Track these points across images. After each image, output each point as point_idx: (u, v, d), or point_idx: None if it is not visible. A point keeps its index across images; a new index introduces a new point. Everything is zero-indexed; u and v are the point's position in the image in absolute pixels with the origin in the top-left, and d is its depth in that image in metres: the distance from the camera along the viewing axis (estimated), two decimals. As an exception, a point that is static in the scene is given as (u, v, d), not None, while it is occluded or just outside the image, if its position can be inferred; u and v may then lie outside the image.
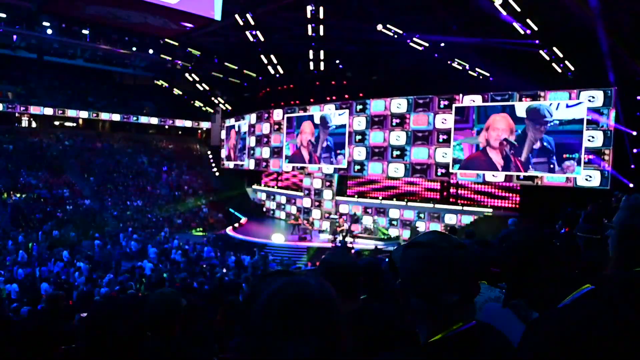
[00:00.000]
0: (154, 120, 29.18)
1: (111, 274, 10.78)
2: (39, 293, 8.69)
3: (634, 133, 11.50)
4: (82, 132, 27.05)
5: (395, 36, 14.18)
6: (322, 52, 16.05)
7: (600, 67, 11.21)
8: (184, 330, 2.21)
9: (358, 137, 17.16)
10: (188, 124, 30.30)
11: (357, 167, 17.24)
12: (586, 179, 12.30)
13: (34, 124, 25.97)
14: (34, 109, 24.96)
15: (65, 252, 13.83)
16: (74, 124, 27.77)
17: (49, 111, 25.45)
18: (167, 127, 30.37)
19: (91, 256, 14.19)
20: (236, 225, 19.90)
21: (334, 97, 18.34)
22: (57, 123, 27.02)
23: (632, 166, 11.48)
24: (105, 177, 23.68)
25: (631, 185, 11.14)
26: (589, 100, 12.26)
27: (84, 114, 26.77)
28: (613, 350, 0.96)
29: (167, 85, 26.22)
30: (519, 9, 11.51)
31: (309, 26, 14.10)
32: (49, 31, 20.55)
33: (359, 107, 17.15)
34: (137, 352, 1.84)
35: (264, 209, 22.84)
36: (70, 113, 26.27)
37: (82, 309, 4.43)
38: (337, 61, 17.64)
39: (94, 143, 26.44)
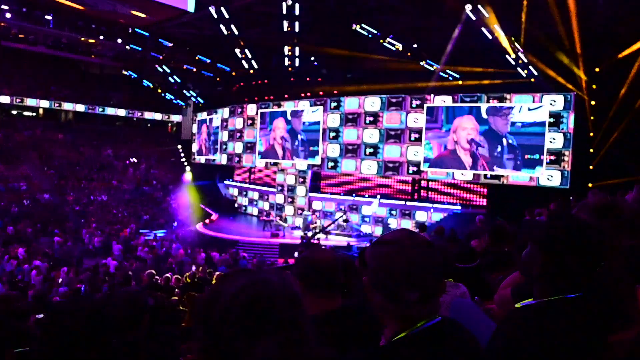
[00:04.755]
0: (122, 112, 27.93)
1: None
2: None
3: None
4: (43, 123, 25.46)
5: (370, 36, 14.32)
6: (297, 48, 15.94)
7: (561, 73, 11.82)
8: (150, 331, 2.14)
9: (332, 134, 17.23)
10: (158, 116, 29.22)
11: (331, 164, 17.32)
12: (548, 179, 12.97)
13: (-13, 113, 24.23)
14: (-13, 97, 23.31)
15: (21, 250, 13.01)
16: (34, 114, 26.11)
17: (5, 99, 23.79)
18: (135, 119, 29.17)
19: (49, 253, 13.43)
20: (207, 221, 19.49)
21: (308, 94, 18.29)
22: (14, 112, 25.31)
23: (590, 167, 12.19)
24: (67, 170, 22.46)
25: (590, 184, 11.79)
26: (551, 104, 12.90)
27: (44, 104, 25.21)
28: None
29: (135, 76, 25.14)
30: (487, 15, 11.93)
31: (285, 22, 13.95)
32: (8, 15, 19.19)
33: (333, 104, 17.21)
34: (99, 355, 1.75)
35: (236, 205, 22.50)
36: (30, 102, 24.67)
37: (38, 310, 4.19)
38: (312, 58, 17.58)
39: (55, 134, 24.97)
